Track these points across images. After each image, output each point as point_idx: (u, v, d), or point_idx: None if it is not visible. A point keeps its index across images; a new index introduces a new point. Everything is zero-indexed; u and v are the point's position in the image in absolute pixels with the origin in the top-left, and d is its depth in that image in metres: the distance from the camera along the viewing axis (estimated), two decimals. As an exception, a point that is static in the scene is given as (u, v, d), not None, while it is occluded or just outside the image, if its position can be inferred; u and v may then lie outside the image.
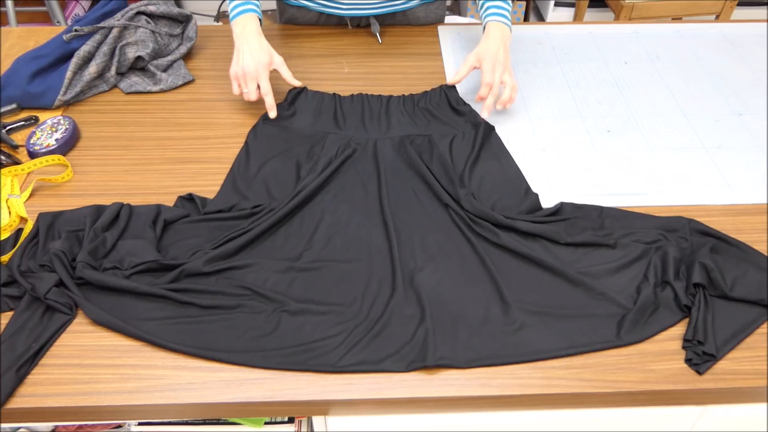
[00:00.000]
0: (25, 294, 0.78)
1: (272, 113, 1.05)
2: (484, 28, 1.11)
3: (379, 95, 1.11)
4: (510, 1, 1.13)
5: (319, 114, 1.08)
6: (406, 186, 0.95)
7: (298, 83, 1.07)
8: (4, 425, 0.77)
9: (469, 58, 1.08)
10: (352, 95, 1.11)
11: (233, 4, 1.07)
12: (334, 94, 1.11)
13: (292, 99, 1.10)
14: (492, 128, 1.05)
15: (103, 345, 0.76)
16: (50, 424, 0.92)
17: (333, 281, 0.82)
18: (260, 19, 1.08)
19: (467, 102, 1.10)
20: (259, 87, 1.03)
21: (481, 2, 1.14)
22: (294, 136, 1.04)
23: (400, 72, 1.21)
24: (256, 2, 1.09)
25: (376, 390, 0.72)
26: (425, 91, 1.11)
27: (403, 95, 1.11)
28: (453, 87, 1.11)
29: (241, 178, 0.96)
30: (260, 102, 1.12)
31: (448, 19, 1.41)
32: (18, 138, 1.05)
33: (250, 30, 1.04)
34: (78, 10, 2.42)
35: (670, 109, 1.13)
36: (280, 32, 1.33)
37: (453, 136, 1.03)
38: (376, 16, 1.30)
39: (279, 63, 1.05)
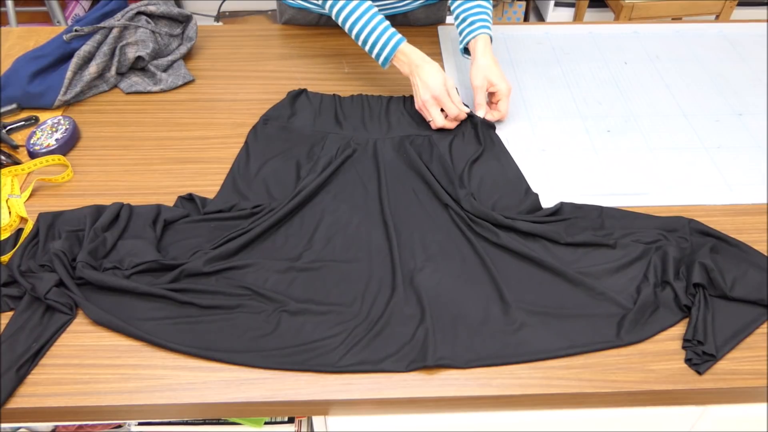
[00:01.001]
0: (25, 294, 0.78)
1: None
2: (471, 38, 1.07)
3: (380, 96, 1.11)
4: (490, 6, 1.11)
5: (319, 114, 1.08)
6: (406, 186, 0.95)
7: (466, 109, 1.04)
8: (4, 425, 0.77)
9: (479, 82, 1.04)
10: (352, 96, 1.11)
11: (371, 41, 1.04)
12: (334, 95, 1.11)
13: (291, 99, 1.10)
14: (492, 127, 1.05)
15: (103, 345, 0.76)
16: (50, 424, 0.92)
17: (333, 281, 0.82)
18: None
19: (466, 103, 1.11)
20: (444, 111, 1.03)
21: (459, 3, 1.11)
22: (294, 137, 1.04)
23: (400, 72, 1.21)
24: (388, 23, 1.05)
25: (376, 390, 0.72)
26: None
27: (404, 96, 1.11)
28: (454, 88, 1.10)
29: (241, 178, 0.96)
30: (260, 102, 1.13)
31: (448, 18, 1.41)
32: (18, 138, 1.05)
33: (415, 60, 1.03)
34: (78, 10, 2.42)
35: (670, 109, 1.13)
36: (281, 32, 1.33)
37: (453, 137, 1.03)
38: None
39: (450, 86, 1.02)
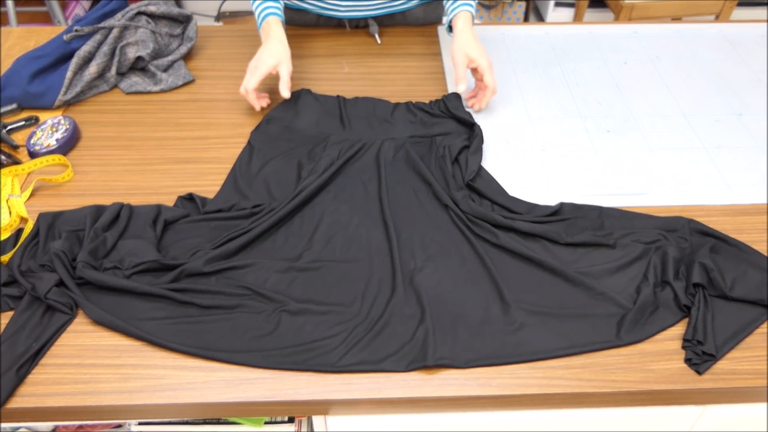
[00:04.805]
0: (26, 294, 0.78)
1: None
2: (453, 15, 1.10)
3: (385, 100, 1.10)
4: None
5: (323, 115, 1.07)
6: (406, 186, 0.95)
7: (287, 95, 1.05)
8: (4, 425, 0.77)
9: (459, 58, 1.06)
10: (357, 98, 1.10)
11: (257, 9, 1.11)
12: (337, 96, 1.11)
13: (295, 99, 1.09)
14: (472, 124, 1.04)
15: (103, 345, 0.76)
16: (50, 424, 0.92)
17: (333, 281, 0.82)
18: (282, 21, 1.11)
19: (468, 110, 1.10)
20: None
21: None
22: (297, 137, 1.04)
23: (399, 72, 1.21)
24: (277, 3, 1.11)
25: (376, 390, 0.72)
26: (431, 101, 1.09)
27: (409, 102, 1.10)
28: (457, 95, 1.09)
29: (243, 177, 0.96)
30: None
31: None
32: (18, 138, 1.05)
33: (269, 33, 1.08)
34: (78, 10, 2.42)
35: (670, 109, 1.13)
36: (280, 32, 1.32)
37: (454, 139, 1.02)
38: (375, 18, 1.30)
39: (282, 70, 1.05)
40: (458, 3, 1.11)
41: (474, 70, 1.08)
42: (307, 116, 1.07)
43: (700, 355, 0.74)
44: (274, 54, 1.05)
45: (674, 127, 1.09)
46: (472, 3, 1.12)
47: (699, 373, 0.73)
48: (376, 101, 1.09)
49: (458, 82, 1.07)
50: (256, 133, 1.05)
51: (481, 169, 0.98)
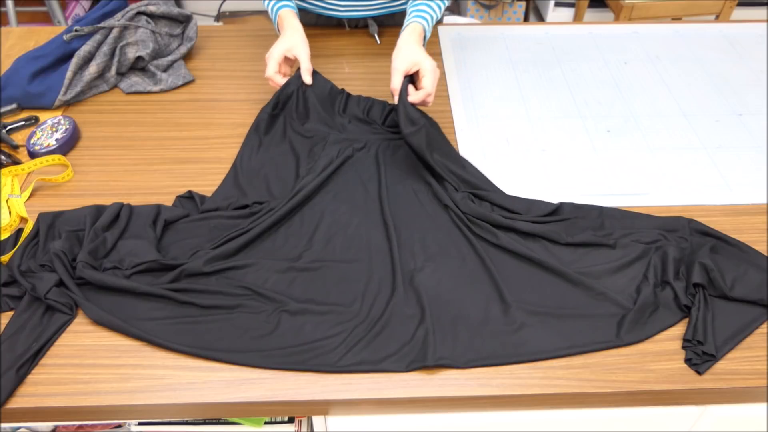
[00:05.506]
0: (26, 294, 0.78)
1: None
2: (404, 28, 1.05)
3: (384, 101, 1.10)
4: (439, 6, 1.09)
5: (330, 106, 1.07)
6: (406, 186, 0.95)
7: (309, 81, 1.05)
8: (4, 425, 0.77)
9: (397, 63, 0.99)
10: (360, 96, 1.10)
11: (269, 5, 1.12)
12: (342, 89, 1.10)
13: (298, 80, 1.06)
14: (419, 112, 0.99)
15: (103, 345, 0.76)
16: (50, 424, 0.92)
17: (333, 281, 0.82)
18: (296, 11, 1.11)
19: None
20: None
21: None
22: (296, 134, 1.03)
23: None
24: None
25: (376, 390, 0.72)
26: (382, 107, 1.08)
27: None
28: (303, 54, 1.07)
29: (243, 172, 0.96)
30: (260, 102, 1.12)
31: (448, 19, 1.41)
32: (18, 138, 1.05)
33: (283, 25, 1.09)
34: (78, 10, 2.42)
35: (670, 109, 1.13)
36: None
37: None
38: (375, 18, 1.29)
39: (299, 52, 1.04)
40: (411, 17, 1.06)
41: (416, 77, 0.99)
42: (316, 92, 1.05)
43: (700, 355, 0.74)
44: (287, 39, 1.05)
45: (674, 127, 1.09)
46: (428, 18, 1.06)
47: (699, 373, 0.73)
48: (375, 101, 1.09)
49: (393, 93, 0.98)
50: (256, 128, 1.04)
51: (472, 168, 0.97)
